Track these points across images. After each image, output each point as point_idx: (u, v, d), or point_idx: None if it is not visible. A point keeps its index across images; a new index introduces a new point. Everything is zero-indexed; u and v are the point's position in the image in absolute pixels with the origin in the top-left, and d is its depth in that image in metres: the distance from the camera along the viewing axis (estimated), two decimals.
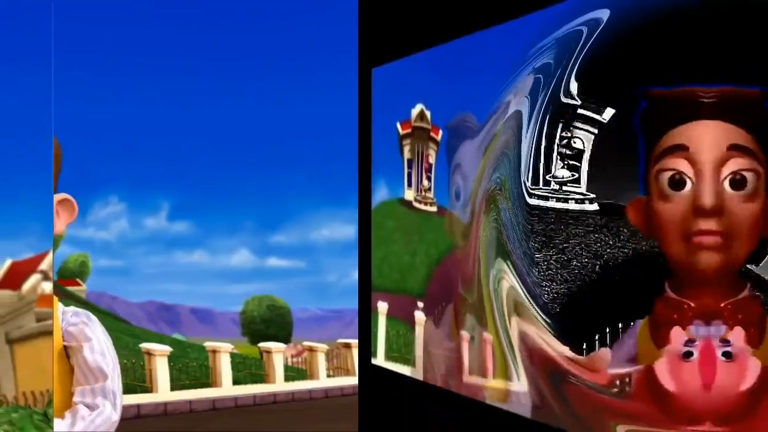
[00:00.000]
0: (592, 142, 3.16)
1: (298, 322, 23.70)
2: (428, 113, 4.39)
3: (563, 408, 3.28)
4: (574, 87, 3.19)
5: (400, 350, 4.71)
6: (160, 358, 14.07)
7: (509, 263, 3.56)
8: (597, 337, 3.14)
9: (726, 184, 2.82)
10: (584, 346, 3.17)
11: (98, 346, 2.23)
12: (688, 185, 2.87)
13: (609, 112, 3.14)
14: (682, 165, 2.87)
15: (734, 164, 2.81)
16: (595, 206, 3.18)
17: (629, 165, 3.03)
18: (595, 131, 3.16)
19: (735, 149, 2.81)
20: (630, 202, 3.01)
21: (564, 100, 3.18)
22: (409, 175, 4.57)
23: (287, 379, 15.68)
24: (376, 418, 4.96)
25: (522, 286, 3.47)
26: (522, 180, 3.41)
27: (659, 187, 2.92)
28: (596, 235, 3.18)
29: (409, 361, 4.61)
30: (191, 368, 14.70)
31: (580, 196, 3.19)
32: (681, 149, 2.87)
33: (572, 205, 3.21)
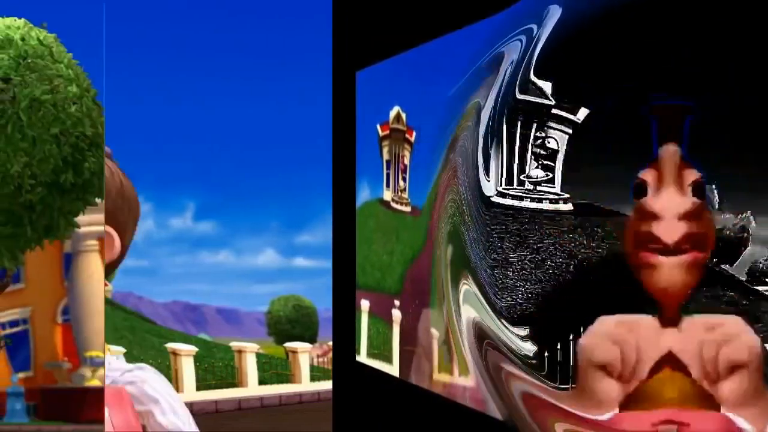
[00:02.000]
0: (566, 142, 3.17)
1: (324, 322, 23.73)
2: (404, 115, 4.46)
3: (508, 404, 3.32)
4: (531, 84, 3.20)
5: (380, 348, 4.81)
6: (186, 358, 14.14)
7: (466, 263, 3.59)
8: (571, 337, 3.14)
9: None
10: (558, 346, 3.17)
11: (167, 405, 2.07)
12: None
13: (583, 112, 3.14)
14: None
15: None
16: (569, 206, 3.18)
17: (603, 165, 3.03)
18: (570, 131, 3.16)
19: None
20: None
21: (519, 96, 3.21)
22: (387, 175, 4.63)
23: (313, 379, 15.74)
24: (352, 416, 5.05)
25: (478, 287, 3.49)
26: (480, 179, 3.43)
27: None
28: (570, 236, 3.18)
29: (389, 358, 4.69)
30: (217, 368, 14.78)
31: (555, 197, 3.20)
32: None
33: (546, 205, 3.22)
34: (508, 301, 3.24)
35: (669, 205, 2.95)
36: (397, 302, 4.62)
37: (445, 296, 3.90)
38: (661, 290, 2.96)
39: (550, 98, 3.19)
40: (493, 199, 3.34)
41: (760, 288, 3.18)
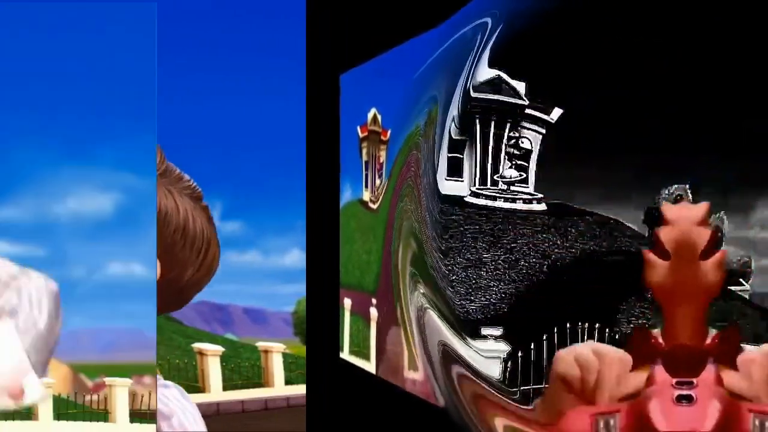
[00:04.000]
0: (540, 142, 3.18)
1: None
2: (379, 117, 4.50)
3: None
4: (482, 81, 3.21)
5: (360, 345, 4.87)
6: (212, 358, 14.19)
7: (419, 262, 3.61)
8: (545, 337, 3.15)
9: None
10: (532, 346, 3.18)
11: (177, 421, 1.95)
12: None
13: (557, 112, 3.15)
14: None
15: None
16: (543, 206, 3.19)
17: (576, 165, 3.04)
18: (543, 131, 3.17)
19: None
20: None
21: (474, 94, 3.22)
22: (366, 176, 4.68)
23: None
24: (327, 415, 5.13)
25: (430, 287, 3.51)
26: (437, 177, 3.44)
27: None
28: (544, 235, 3.19)
29: (367, 356, 4.76)
30: (243, 368, 14.81)
31: (528, 196, 3.21)
32: None
33: (520, 205, 3.22)
34: (482, 301, 3.25)
35: None
36: (374, 300, 4.68)
37: (402, 294, 3.94)
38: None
39: (524, 98, 3.20)
40: (466, 199, 3.35)
41: (733, 288, 3.18)
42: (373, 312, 4.65)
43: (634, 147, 3.13)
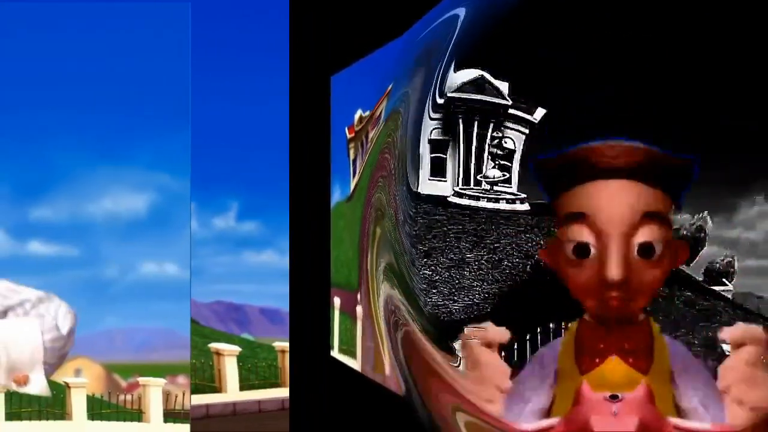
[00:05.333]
0: (523, 142, 3.17)
1: None
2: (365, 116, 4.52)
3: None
4: (486, 83, 3.21)
5: (348, 343, 4.91)
6: (229, 358, 14.14)
7: (392, 262, 3.62)
8: (528, 337, 3.14)
9: (635, 251, 2.66)
10: (515, 346, 3.17)
11: None
12: (593, 252, 2.70)
13: (540, 112, 3.15)
14: (585, 235, 2.70)
15: (646, 234, 2.66)
16: (526, 206, 3.19)
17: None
18: (527, 131, 3.17)
19: (648, 216, 2.65)
20: (546, 245, 2.84)
21: (440, 101, 3.22)
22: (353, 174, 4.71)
23: None
24: (310, 415, 5.18)
25: (401, 288, 3.52)
26: (409, 178, 3.45)
27: (565, 252, 2.74)
28: (527, 235, 3.19)
29: (354, 353, 4.80)
30: (260, 368, 14.74)
31: (511, 197, 3.21)
32: (580, 217, 2.71)
33: (503, 205, 3.22)
34: (465, 301, 3.25)
35: None
36: (359, 297, 4.70)
37: (373, 291, 3.97)
38: None
39: (507, 98, 3.19)
40: (449, 199, 3.35)
41: (717, 288, 3.17)
42: (359, 310, 4.69)
43: None
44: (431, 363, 3.29)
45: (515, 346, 3.17)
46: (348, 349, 4.97)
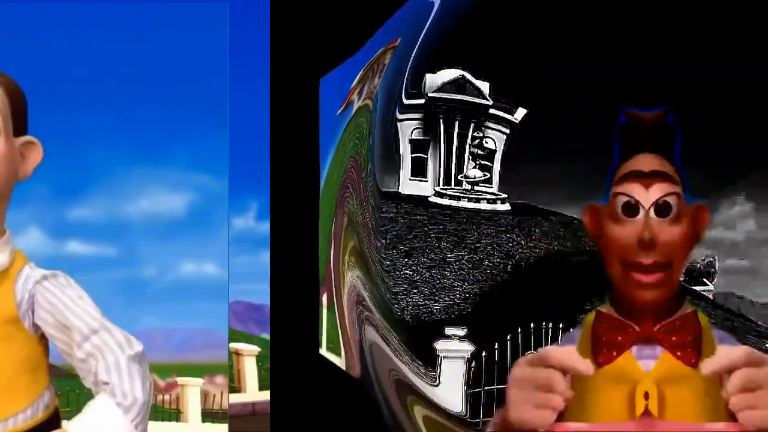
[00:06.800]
0: (504, 142, 3.18)
1: None
2: None
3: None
4: (468, 84, 3.21)
5: (334, 341, 4.90)
6: (248, 358, 14.10)
7: (361, 262, 3.62)
8: (509, 337, 3.14)
9: (652, 212, 2.67)
10: (496, 346, 3.18)
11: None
12: (641, 213, 2.71)
13: (521, 112, 3.15)
14: (636, 191, 2.71)
15: (659, 190, 2.68)
16: (506, 206, 3.19)
17: (541, 165, 3.03)
18: (507, 131, 3.17)
19: (656, 175, 2.66)
20: (588, 206, 2.84)
21: (406, 101, 3.22)
22: None
23: None
24: (290, 413, 5.16)
25: (371, 289, 3.52)
26: (376, 178, 3.43)
27: (614, 207, 2.74)
28: (508, 235, 3.19)
29: (338, 351, 4.79)
30: None
31: (492, 196, 3.21)
32: (636, 175, 2.71)
33: (484, 205, 3.22)
34: (446, 301, 3.24)
35: None
36: (326, 289, 4.70)
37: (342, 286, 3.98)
38: None
39: (488, 98, 3.19)
40: (430, 199, 3.35)
41: (697, 288, 3.17)
42: (325, 299, 4.69)
43: (599, 147, 3.12)
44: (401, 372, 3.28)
45: (495, 347, 3.18)
46: (335, 347, 4.97)
